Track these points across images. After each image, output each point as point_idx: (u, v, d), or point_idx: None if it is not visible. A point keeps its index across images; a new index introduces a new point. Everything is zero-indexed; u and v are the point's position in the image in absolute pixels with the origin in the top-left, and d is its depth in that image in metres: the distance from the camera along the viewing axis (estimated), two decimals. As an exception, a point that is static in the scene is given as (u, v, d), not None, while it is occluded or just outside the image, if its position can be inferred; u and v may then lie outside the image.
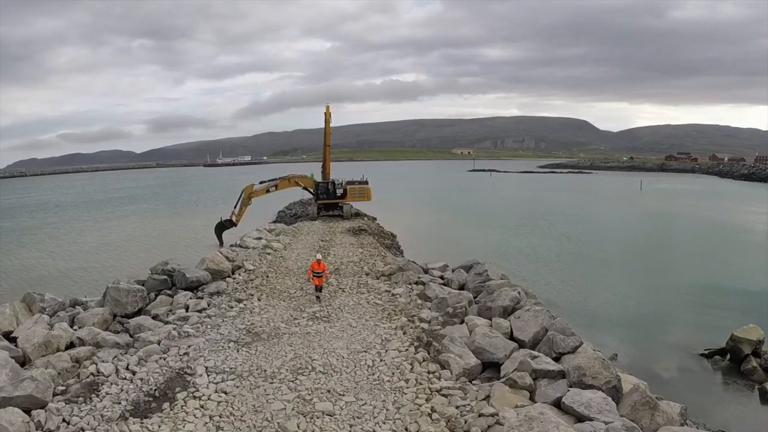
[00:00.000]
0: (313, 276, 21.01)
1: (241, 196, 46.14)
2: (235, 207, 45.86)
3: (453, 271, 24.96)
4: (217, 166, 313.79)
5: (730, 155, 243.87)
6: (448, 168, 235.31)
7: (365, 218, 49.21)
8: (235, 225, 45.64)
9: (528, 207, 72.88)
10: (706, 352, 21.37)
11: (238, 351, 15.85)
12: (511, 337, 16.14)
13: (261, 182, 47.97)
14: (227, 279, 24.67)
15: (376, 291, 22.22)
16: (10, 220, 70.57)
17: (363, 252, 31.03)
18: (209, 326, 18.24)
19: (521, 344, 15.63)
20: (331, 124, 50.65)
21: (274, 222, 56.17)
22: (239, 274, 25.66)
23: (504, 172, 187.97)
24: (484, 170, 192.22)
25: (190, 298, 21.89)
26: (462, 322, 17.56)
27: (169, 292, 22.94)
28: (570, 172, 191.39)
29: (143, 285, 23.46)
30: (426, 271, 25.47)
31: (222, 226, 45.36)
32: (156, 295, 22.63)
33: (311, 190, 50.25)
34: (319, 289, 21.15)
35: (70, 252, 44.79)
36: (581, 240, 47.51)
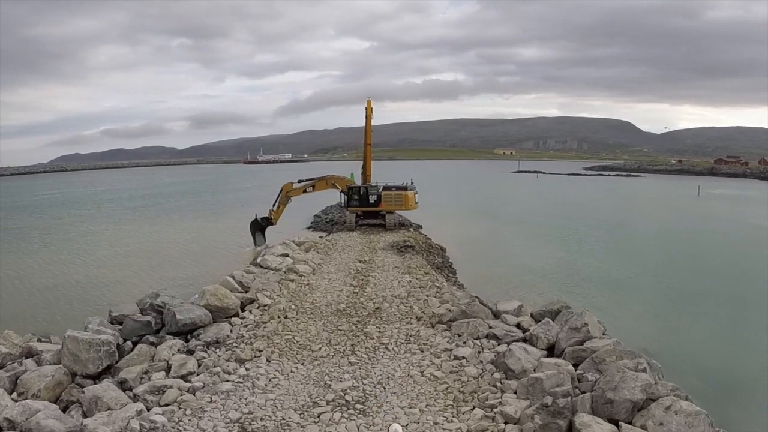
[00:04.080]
0: None
1: (280, 193, 42.85)
2: (273, 205, 42.71)
3: (536, 320, 17.96)
4: (258, 164, 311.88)
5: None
6: (492, 168, 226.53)
7: (411, 229, 42.88)
8: (274, 224, 42.62)
9: (586, 214, 64.78)
10: None
11: (219, 478, 9.74)
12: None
13: (299, 181, 43.93)
14: (233, 319, 18.76)
15: (433, 350, 15.68)
16: (37, 217, 67.29)
17: (411, 280, 24.51)
18: (189, 411, 12.25)
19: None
20: (372, 122, 44.90)
21: (309, 228, 51.25)
22: (250, 311, 19.71)
23: (550, 174, 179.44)
24: (530, 172, 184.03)
25: (178, 351, 16.03)
26: (570, 426, 10.96)
27: (152, 339, 17.10)
28: (618, 174, 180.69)
29: (121, 325, 17.97)
30: (497, 315, 18.82)
31: (257, 224, 42.08)
32: (135, 344, 16.85)
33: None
34: None
35: (92, 260, 39.30)
36: (659, 258, 39.52)
